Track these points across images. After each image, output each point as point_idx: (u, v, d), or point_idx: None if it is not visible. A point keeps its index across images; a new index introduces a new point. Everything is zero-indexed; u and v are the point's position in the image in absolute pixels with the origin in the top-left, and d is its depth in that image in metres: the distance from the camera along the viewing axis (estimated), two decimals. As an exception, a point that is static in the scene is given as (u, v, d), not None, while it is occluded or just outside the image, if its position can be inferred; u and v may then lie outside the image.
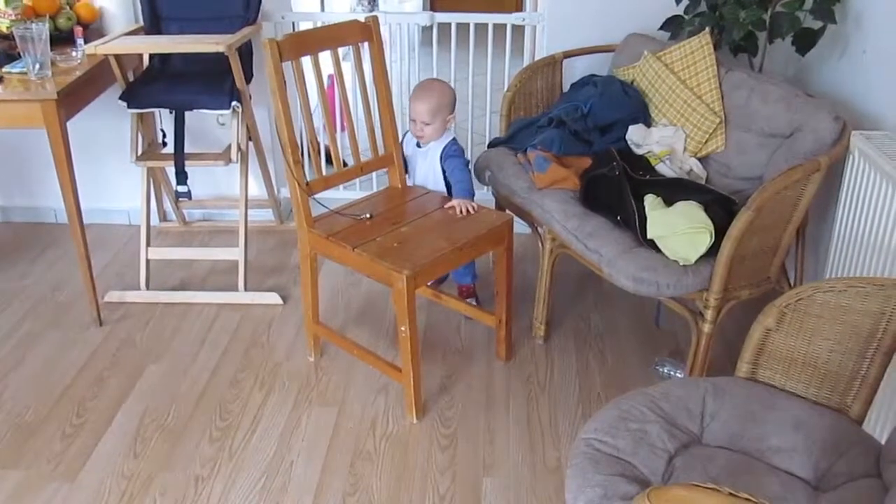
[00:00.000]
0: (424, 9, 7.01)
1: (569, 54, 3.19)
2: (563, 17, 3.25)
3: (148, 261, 3.09)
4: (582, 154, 2.81)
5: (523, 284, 3.11)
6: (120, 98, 2.90)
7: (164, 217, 3.63)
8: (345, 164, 2.63)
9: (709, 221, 2.30)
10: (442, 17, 3.30)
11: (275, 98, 2.35)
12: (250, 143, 3.12)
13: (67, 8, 3.09)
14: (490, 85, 3.43)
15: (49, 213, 3.71)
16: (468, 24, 3.30)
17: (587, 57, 3.21)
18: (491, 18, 3.27)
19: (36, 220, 3.72)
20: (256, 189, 3.48)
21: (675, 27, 3.08)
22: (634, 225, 2.40)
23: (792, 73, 3.12)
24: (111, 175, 3.57)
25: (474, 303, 2.94)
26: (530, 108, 3.15)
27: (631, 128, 2.83)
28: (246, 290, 3.08)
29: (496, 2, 7.38)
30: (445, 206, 2.54)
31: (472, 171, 2.77)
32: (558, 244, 2.65)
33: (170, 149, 2.98)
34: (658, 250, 2.34)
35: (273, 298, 3.07)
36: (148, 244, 3.08)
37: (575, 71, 3.21)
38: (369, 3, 6.11)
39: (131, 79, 3.06)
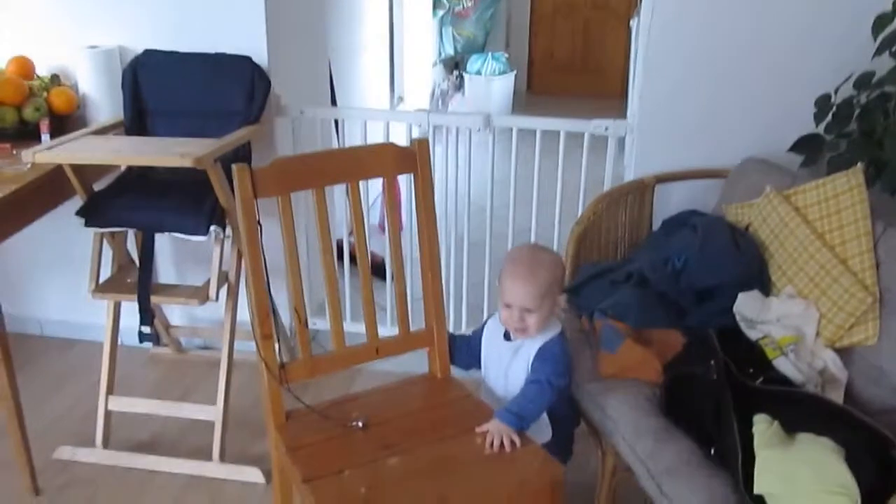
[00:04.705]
0: (517, 86, 6.33)
1: (663, 178, 2.42)
2: (659, 127, 2.49)
3: (108, 412, 2.45)
4: (670, 326, 2.03)
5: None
6: (77, 213, 2.31)
7: (157, 340, 3.00)
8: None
9: (853, 484, 1.48)
10: (501, 121, 2.58)
11: (244, 249, 1.68)
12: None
13: (42, 95, 2.54)
14: (560, 211, 2.66)
15: (34, 324, 3.15)
16: (534, 132, 2.57)
17: (687, 183, 2.44)
18: (563, 126, 2.53)
19: (18, 330, 3.14)
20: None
21: (811, 150, 2.29)
22: (736, 467, 1.60)
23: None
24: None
25: None
26: (607, 247, 2.39)
27: (741, 296, 2.03)
28: (222, 460, 2.40)
29: (598, 83, 6.69)
30: (476, 430, 1.74)
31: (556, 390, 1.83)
32: (624, 465, 1.85)
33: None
34: (770, 512, 1.53)
35: (253, 475, 2.37)
36: (110, 392, 2.45)
37: (670, 201, 2.44)
38: (441, 99, 5.34)
39: (106, 185, 2.47)
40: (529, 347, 1.85)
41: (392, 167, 1.82)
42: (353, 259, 2.00)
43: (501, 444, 1.68)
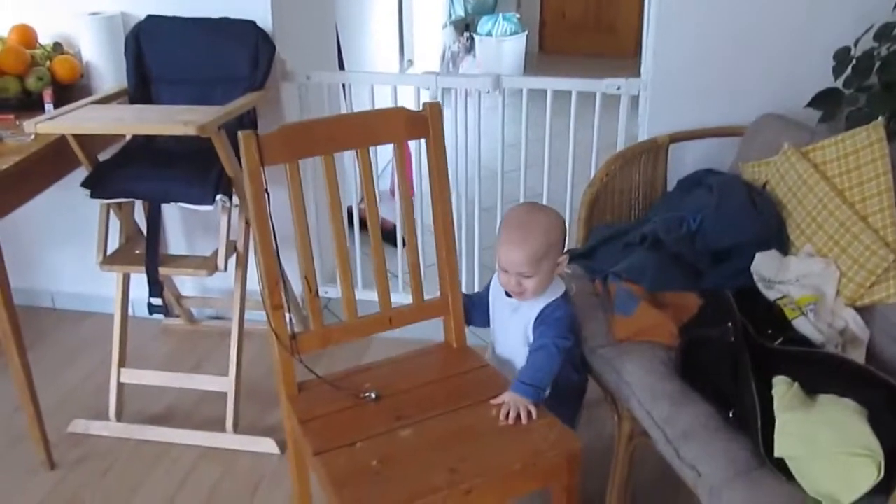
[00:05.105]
0: (529, 47, 6.23)
1: (677, 137, 2.37)
2: (673, 85, 2.42)
3: (120, 385, 2.45)
4: (686, 289, 1.99)
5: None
6: (82, 184, 2.28)
7: (168, 311, 2.98)
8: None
9: (875, 444, 1.45)
10: (511, 82, 2.53)
11: (252, 218, 1.65)
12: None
13: (45, 64, 2.50)
14: (572, 173, 2.61)
15: (46, 296, 3.14)
16: (545, 93, 2.52)
17: (702, 142, 2.38)
18: (574, 85, 2.48)
19: (29, 303, 3.13)
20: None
21: (829, 105, 2.23)
22: (755, 430, 1.57)
23: None
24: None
25: None
26: (620, 208, 2.35)
27: (759, 255, 1.98)
28: (236, 431, 2.39)
29: (611, 43, 6.57)
30: (491, 401, 1.69)
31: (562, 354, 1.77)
32: (641, 429, 1.82)
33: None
34: (790, 475, 1.50)
35: (267, 446, 2.36)
36: (122, 364, 2.44)
37: (685, 160, 2.39)
38: (452, 62, 5.24)
39: (111, 155, 2.43)
40: (528, 310, 1.80)
41: (403, 132, 1.76)
42: (364, 225, 1.97)
43: (518, 416, 1.64)
